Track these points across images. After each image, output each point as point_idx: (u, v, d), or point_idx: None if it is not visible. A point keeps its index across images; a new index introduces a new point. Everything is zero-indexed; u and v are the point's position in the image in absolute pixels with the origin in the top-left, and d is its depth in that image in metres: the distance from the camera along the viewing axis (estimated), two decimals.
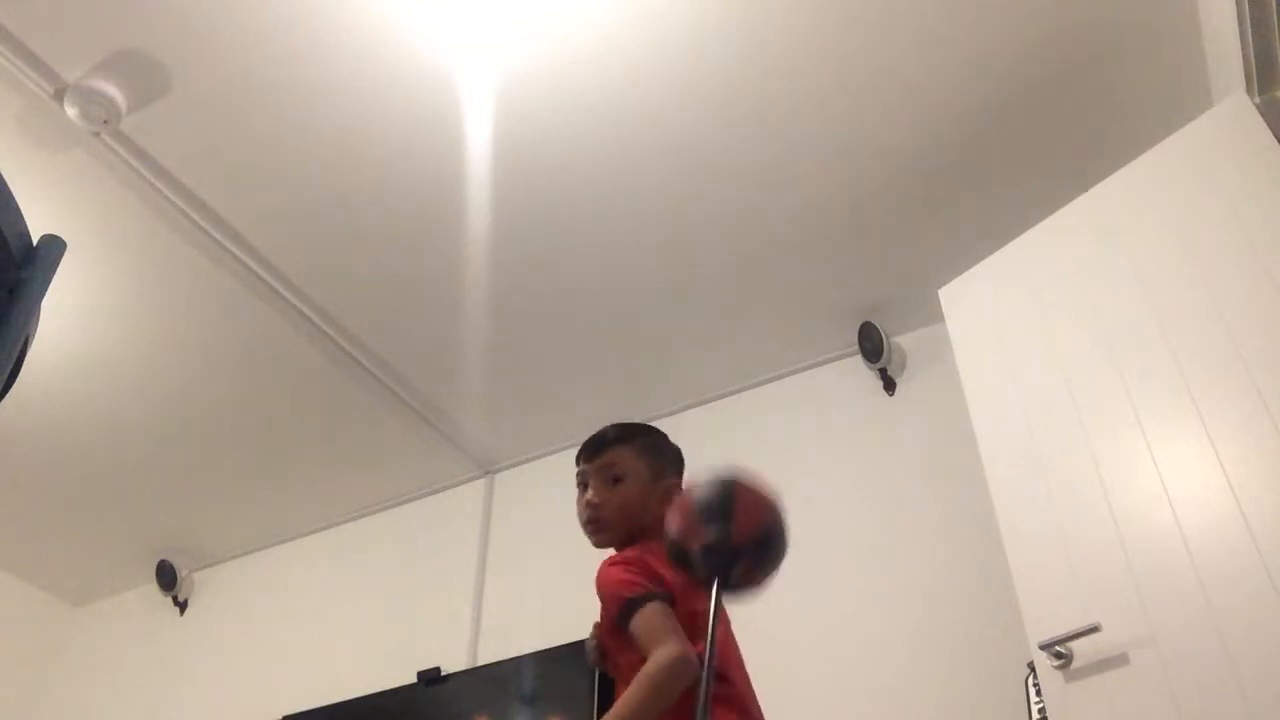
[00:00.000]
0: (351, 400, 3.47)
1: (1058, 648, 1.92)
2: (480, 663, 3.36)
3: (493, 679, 3.24)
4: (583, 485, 1.77)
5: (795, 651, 2.80)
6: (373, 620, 3.73)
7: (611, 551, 1.70)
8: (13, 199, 1.05)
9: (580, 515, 1.76)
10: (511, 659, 3.22)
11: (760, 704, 1.58)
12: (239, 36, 2.40)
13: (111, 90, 2.47)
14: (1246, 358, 1.88)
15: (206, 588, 4.28)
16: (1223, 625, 1.73)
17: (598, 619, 1.64)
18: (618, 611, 1.52)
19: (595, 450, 1.78)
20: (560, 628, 3.00)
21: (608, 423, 1.84)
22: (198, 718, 3.87)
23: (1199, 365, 1.95)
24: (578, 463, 1.80)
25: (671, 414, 3.48)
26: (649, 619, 1.48)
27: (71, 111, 2.46)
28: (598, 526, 1.73)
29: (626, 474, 1.74)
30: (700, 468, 1.68)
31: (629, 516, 1.72)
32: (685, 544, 1.18)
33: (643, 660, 1.44)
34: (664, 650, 1.41)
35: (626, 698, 1.41)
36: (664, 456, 1.81)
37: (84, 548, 4.23)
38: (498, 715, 3.20)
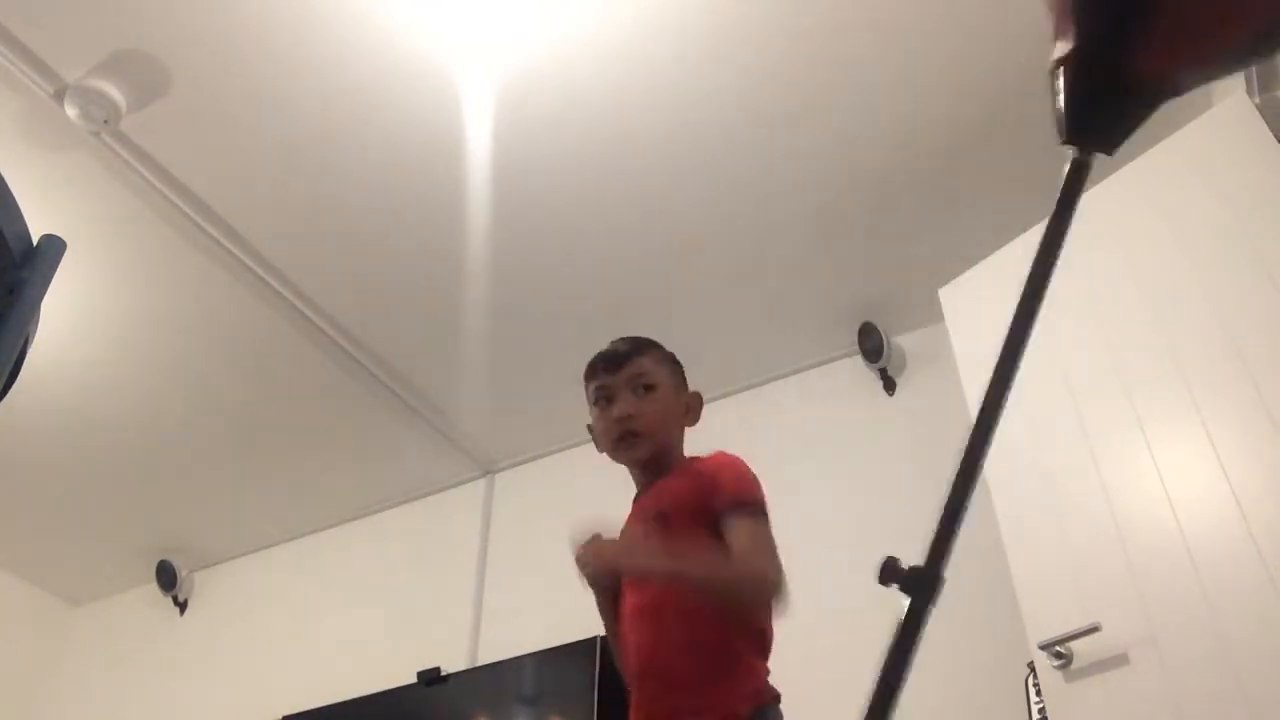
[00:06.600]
0: (351, 400, 3.47)
1: (1058, 648, 1.92)
2: (480, 663, 3.36)
3: (493, 679, 3.24)
4: (605, 400, 1.64)
5: (793, 651, 2.78)
6: (373, 620, 3.72)
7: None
8: (13, 199, 1.05)
9: (606, 433, 1.63)
10: (511, 659, 3.21)
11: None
12: (239, 37, 2.40)
13: (111, 90, 2.46)
14: (1246, 358, 1.88)
15: (206, 588, 4.28)
16: (1223, 625, 1.73)
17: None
18: (744, 502, 1.50)
19: (619, 361, 1.66)
20: (560, 628, 2.99)
21: None
22: (198, 718, 3.86)
23: (1199, 365, 1.95)
24: (593, 377, 1.67)
25: None
26: (768, 534, 1.49)
27: (71, 111, 2.46)
28: (636, 439, 1.61)
29: (658, 383, 1.65)
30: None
31: (664, 428, 1.64)
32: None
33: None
34: (776, 567, 1.45)
35: (730, 567, 1.42)
36: (679, 367, 1.73)
37: (84, 548, 4.22)
38: (498, 715, 3.20)
